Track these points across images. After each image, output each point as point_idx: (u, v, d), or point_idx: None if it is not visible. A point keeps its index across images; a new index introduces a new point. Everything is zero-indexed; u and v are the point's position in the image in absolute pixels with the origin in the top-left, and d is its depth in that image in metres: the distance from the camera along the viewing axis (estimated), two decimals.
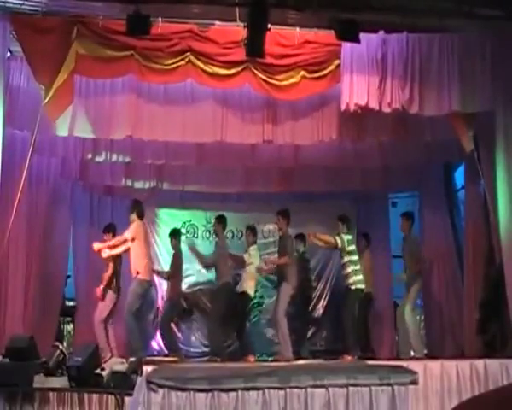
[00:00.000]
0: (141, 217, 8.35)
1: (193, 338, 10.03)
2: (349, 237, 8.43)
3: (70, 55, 6.85)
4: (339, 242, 8.26)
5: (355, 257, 8.35)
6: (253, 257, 8.78)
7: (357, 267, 8.31)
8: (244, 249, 9.04)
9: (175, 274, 9.17)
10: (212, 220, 9.45)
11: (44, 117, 6.99)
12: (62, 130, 7.59)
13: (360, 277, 8.26)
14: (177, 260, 9.17)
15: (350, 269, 8.25)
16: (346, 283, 8.31)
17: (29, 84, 7.37)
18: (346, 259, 8.30)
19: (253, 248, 8.87)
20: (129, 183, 9.45)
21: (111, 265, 8.32)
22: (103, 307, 8.23)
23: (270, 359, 8.89)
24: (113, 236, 8.48)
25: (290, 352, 8.01)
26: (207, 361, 8.60)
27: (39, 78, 6.85)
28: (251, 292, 8.78)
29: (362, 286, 8.29)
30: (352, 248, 8.40)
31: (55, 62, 6.77)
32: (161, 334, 9.25)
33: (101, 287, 8.22)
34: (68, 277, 9.54)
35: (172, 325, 9.43)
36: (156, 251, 10.07)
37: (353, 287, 8.21)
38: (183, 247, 9.33)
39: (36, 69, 6.83)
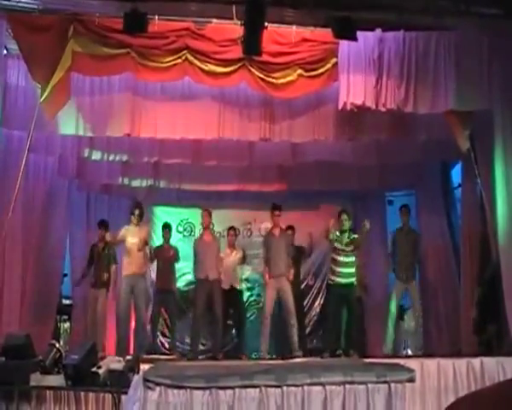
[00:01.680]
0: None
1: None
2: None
3: (66, 53, 6.84)
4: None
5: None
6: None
7: None
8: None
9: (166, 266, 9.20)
10: None
11: (41, 115, 6.97)
12: (59, 128, 7.58)
13: None
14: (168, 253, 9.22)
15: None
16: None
17: (26, 82, 7.35)
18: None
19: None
20: (126, 181, 9.45)
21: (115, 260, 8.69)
22: (105, 302, 8.46)
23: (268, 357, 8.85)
24: (106, 231, 8.58)
25: (296, 346, 7.88)
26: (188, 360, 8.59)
27: (36, 76, 6.83)
28: (237, 285, 8.91)
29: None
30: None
31: (51, 60, 6.76)
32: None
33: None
34: (65, 275, 9.55)
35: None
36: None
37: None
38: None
39: (32, 67, 6.81)
